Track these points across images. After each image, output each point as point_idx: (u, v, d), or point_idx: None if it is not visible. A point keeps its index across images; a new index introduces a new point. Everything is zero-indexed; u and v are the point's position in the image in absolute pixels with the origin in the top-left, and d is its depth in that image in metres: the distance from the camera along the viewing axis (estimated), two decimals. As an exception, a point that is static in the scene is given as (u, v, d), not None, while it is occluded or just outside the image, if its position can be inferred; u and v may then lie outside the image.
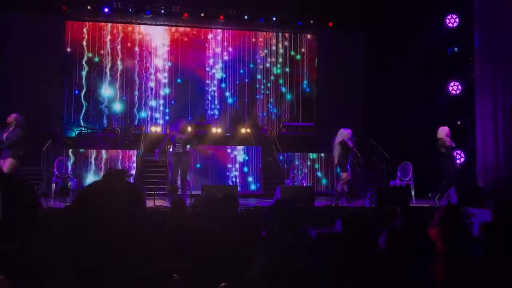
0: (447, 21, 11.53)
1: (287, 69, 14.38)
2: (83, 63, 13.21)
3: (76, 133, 12.39)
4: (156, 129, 13.42)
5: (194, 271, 3.20)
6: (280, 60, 14.40)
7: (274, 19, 13.13)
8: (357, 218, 3.89)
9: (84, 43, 13.19)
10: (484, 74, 10.59)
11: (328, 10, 12.51)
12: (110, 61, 13.37)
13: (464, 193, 8.31)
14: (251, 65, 14.29)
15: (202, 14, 12.80)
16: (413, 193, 9.72)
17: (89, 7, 12.17)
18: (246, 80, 14.27)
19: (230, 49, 14.20)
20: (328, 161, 11.62)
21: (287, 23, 13.48)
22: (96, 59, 13.29)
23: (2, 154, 7.63)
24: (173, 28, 13.83)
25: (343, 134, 8.86)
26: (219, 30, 14.08)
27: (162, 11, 12.63)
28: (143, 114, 13.61)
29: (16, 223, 1.48)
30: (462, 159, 11.46)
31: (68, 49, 13.06)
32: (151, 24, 13.45)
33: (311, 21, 13.31)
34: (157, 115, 13.75)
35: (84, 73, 13.19)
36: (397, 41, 11.64)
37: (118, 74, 13.43)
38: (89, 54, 13.23)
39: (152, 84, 13.72)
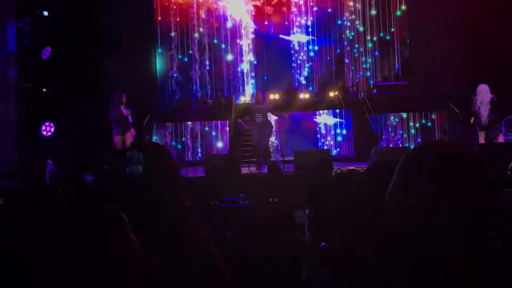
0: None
1: (374, 17, 13.68)
2: (172, 46, 13.66)
3: (172, 107, 13.01)
4: (245, 99, 13.66)
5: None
6: (368, 10, 13.63)
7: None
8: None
9: (172, 26, 13.61)
10: None
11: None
12: (198, 37, 13.72)
13: None
14: (339, 21, 13.79)
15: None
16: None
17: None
18: (333, 42, 13.86)
19: (315, 8, 13.84)
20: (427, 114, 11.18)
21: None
22: (183, 48, 13.70)
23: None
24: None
25: (486, 89, 8.54)
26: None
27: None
28: (232, 84, 13.88)
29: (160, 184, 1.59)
30: None
31: (159, 27, 13.55)
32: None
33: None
34: (245, 84, 13.96)
35: (173, 50, 13.66)
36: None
37: (207, 48, 13.75)
38: (178, 45, 13.63)
39: (238, 54, 13.89)
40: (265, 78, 13.67)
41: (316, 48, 13.80)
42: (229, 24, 13.79)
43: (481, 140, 8.74)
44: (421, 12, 12.61)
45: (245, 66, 13.87)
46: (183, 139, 11.42)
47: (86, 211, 1.35)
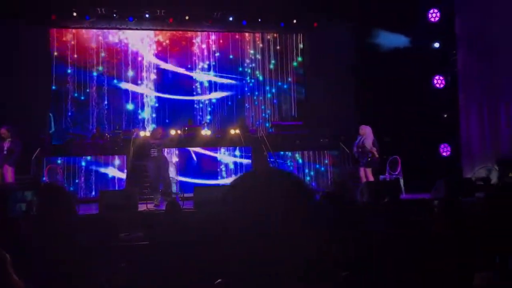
0: (430, 15, 11.74)
1: (273, 68, 14.49)
2: (67, 75, 13.16)
3: (66, 141, 12.30)
4: (144, 134, 13.39)
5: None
6: (267, 61, 14.48)
7: (259, 20, 13.18)
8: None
9: (68, 55, 13.15)
10: (467, 67, 10.83)
11: (312, 10, 12.58)
12: (95, 69, 13.37)
13: (453, 185, 8.55)
14: (240, 69, 14.37)
15: (187, 17, 12.80)
16: (403, 187, 9.88)
17: (74, 14, 12.10)
18: (234, 82, 14.33)
19: (217, 54, 14.24)
20: (320, 159, 11.85)
21: (271, 24, 13.58)
22: (82, 70, 13.25)
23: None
24: (159, 33, 13.83)
25: (368, 131, 9.23)
26: (204, 33, 14.11)
27: (147, 15, 12.61)
28: (131, 119, 13.60)
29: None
30: (448, 153, 11.70)
31: (54, 62, 13.02)
32: (136, 29, 13.42)
33: (294, 21, 13.37)
34: (145, 120, 13.76)
35: (69, 85, 13.17)
36: (383, 36, 11.78)
37: (105, 81, 13.42)
38: (77, 69, 13.16)
39: (139, 89, 13.71)
40: (167, 121, 13.60)
41: (217, 95, 14.17)
42: (130, 64, 13.61)
43: (370, 177, 9.45)
44: (315, 62, 13.68)
45: (146, 108, 13.73)
46: (76, 180, 10.84)
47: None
